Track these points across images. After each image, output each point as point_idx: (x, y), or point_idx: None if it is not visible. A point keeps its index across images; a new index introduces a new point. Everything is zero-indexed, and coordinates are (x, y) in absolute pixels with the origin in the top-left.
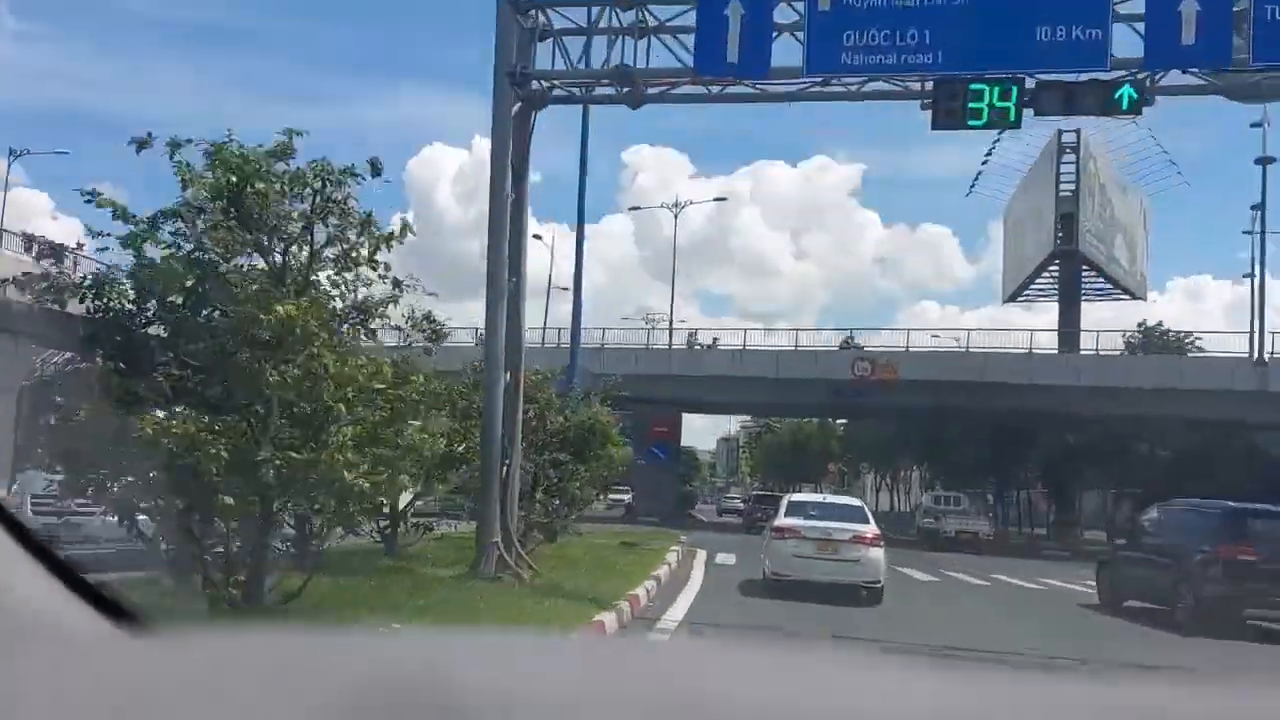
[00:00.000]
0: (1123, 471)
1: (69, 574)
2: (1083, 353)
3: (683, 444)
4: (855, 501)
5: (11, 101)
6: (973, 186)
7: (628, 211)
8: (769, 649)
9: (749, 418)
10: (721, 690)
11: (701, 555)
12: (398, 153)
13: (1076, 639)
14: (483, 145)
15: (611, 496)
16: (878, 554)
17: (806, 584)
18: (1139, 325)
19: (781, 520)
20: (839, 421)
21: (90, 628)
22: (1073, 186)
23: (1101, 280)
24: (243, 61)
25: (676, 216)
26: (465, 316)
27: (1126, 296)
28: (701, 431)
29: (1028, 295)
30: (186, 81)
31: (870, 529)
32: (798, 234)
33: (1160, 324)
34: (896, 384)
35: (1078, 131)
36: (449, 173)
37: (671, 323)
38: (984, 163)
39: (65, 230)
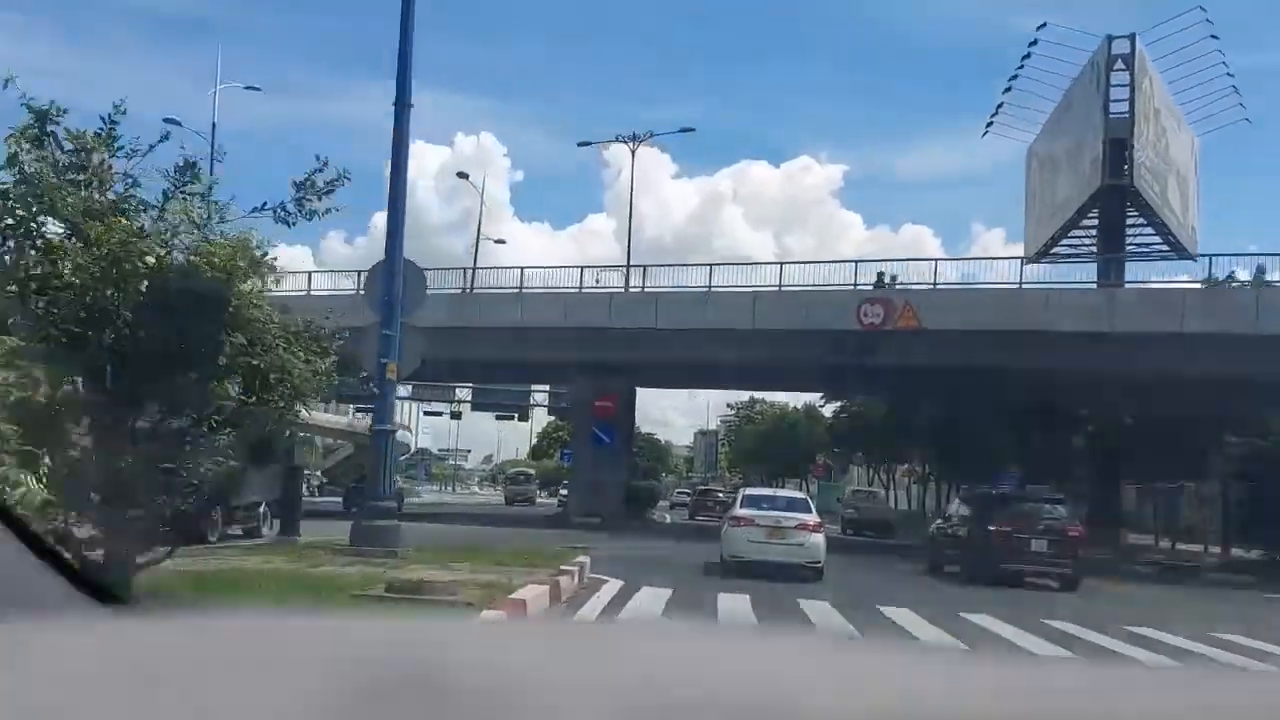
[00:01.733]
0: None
1: (47, 550)
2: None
3: (656, 437)
4: (800, 495)
5: None
6: (990, 125)
7: (578, 146)
8: (755, 633)
9: (730, 409)
10: (714, 673)
11: (605, 593)
12: (377, 150)
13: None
14: (465, 142)
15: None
16: (819, 539)
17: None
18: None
19: (737, 511)
20: (826, 406)
21: (69, 604)
22: (1126, 108)
23: (1148, 230)
24: (221, 55)
25: (634, 153)
26: None
27: (1173, 255)
28: (683, 430)
29: (1061, 251)
30: (163, 75)
31: (812, 518)
32: (780, 234)
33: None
34: (918, 331)
35: (1131, 37)
36: (430, 170)
37: (629, 271)
38: (1007, 89)
39: None
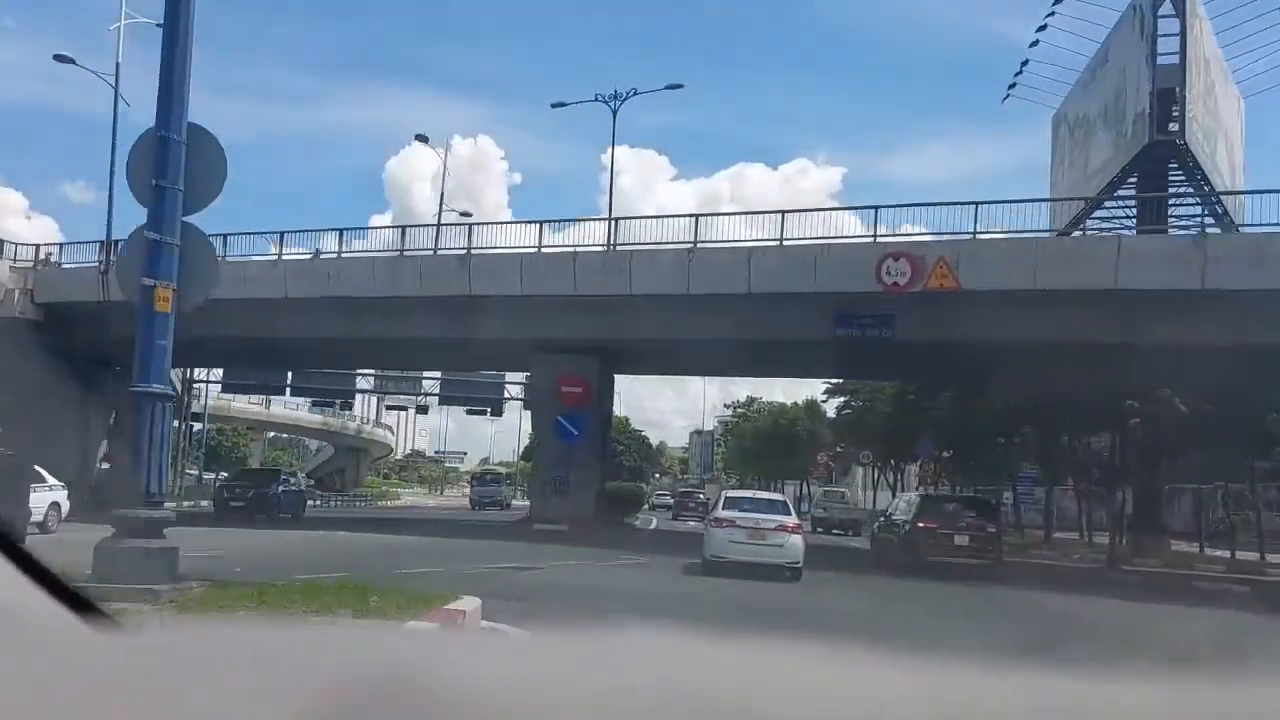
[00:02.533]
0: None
1: (34, 567)
2: None
3: (644, 434)
4: (780, 497)
5: None
6: (1013, 86)
7: (552, 107)
8: (749, 644)
9: (727, 408)
10: (715, 686)
11: None
12: (377, 153)
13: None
14: (463, 145)
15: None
16: (798, 540)
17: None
18: None
19: (719, 513)
20: (830, 401)
21: (55, 622)
22: (1175, 58)
23: (1191, 200)
24: (223, 62)
25: (615, 113)
26: None
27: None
28: (681, 431)
29: (1099, 219)
30: (151, 76)
31: (791, 520)
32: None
33: None
34: (954, 292)
35: None
36: (427, 173)
37: (613, 226)
38: (1033, 44)
39: (39, 230)
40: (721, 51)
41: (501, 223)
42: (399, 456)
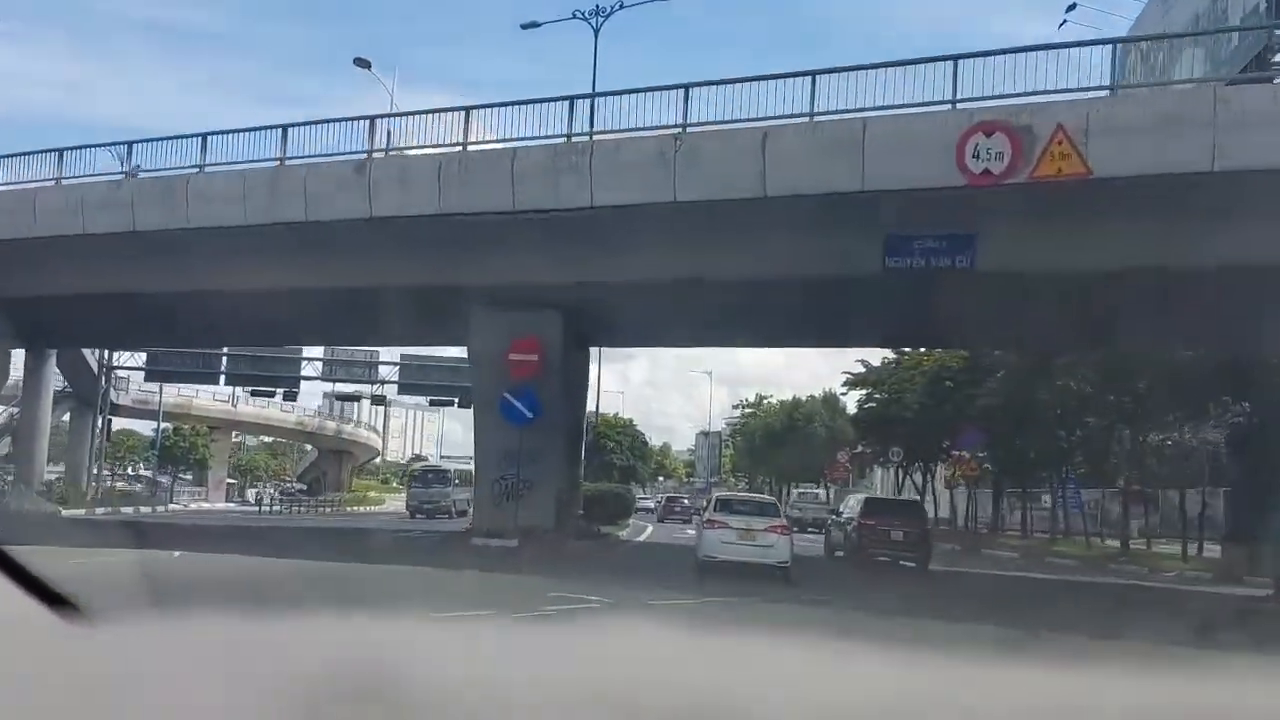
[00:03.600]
0: None
1: (7, 562)
2: None
3: (634, 424)
4: (770, 499)
5: None
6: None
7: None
8: (724, 633)
9: (735, 409)
10: (683, 675)
11: None
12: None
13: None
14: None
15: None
16: (786, 540)
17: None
18: None
19: (711, 515)
20: (849, 392)
21: (26, 614)
22: None
23: None
24: (222, 63)
25: (597, 31)
26: None
27: None
28: (687, 435)
29: None
30: (168, 83)
31: (780, 521)
32: None
33: None
34: (1084, 180)
35: None
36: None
37: (570, 110)
38: None
39: None
40: (740, 51)
41: (416, 113)
42: (403, 460)
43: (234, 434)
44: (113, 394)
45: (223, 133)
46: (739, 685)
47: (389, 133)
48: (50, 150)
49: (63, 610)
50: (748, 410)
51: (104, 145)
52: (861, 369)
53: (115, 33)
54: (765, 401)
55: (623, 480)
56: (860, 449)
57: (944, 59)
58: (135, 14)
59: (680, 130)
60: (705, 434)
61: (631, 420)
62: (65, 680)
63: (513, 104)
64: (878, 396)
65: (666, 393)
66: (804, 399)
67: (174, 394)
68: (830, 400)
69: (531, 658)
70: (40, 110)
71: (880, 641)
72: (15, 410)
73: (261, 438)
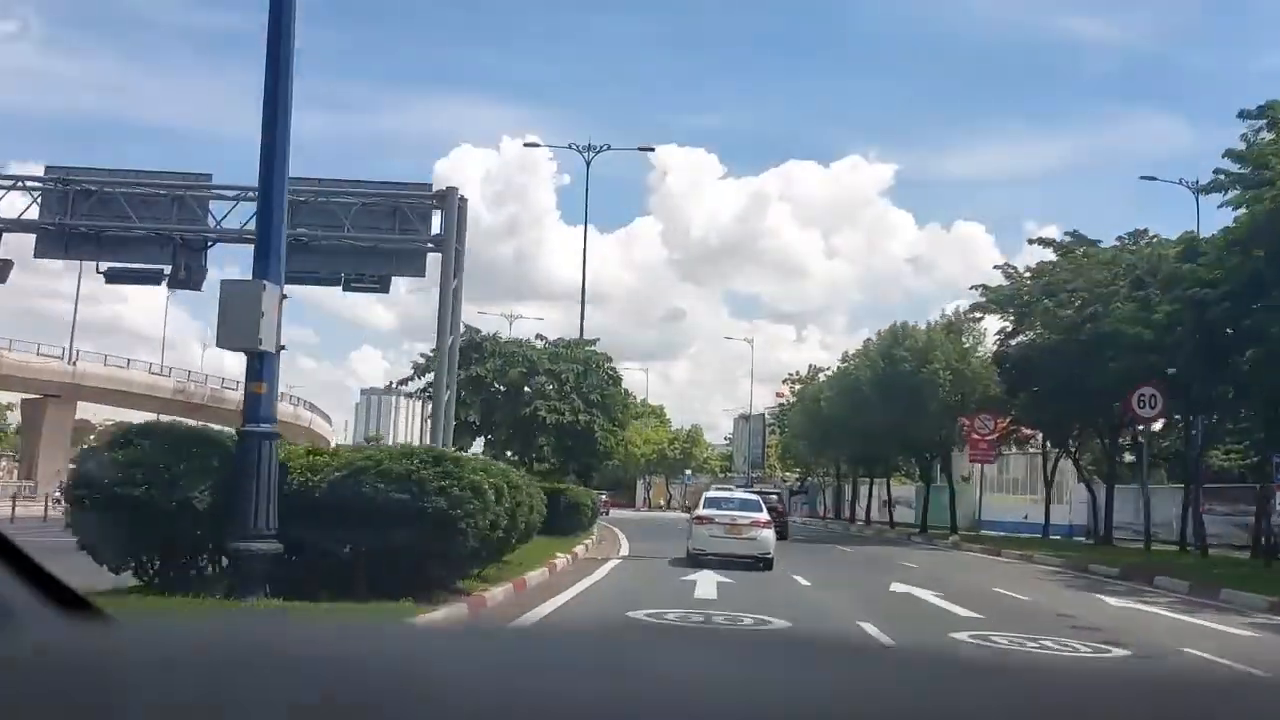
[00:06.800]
0: None
1: (15, 556)
2: None
3: (609, 360)
4: (754, 496)
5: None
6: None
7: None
8: (704, 635)
9: (783, 386)
10: (662, 678)
11: None
12: (424, 155)
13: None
14: (512, 145)
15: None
16: (769, 534)
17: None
18: None
19: (700, 512)
20: (985, 319)
21: (36, 612)
22: None
23: None
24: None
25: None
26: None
27: None
28: (716, 413)
29: None
30: (216, 89)
31: (763, 516)
32: (828, 233)
33: None
34: None
35: None
36: (477, 175)
37: None
38: None
39: None
40: (771, 47)
41: None
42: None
43: (77, 407)
44: None
45: None
46: (753, 691)
47: None
48: None
49: (70, 608)
50: (800, 383)
51: None
52: (1002, 280)
53: (164, 39)
54: (820, 376)
55: (580, 481)
56: (1009, 417)
57: None
58: (182, 21)
59: None
60: (746, 418)
61: (623, 384)
62: (75, 680)
63: None
64: (1025, 333)
65: (709, 391)
66: (912, 327)
67: None
68: (955, 326)
69: (548, 662)
70: (97, 116)
71: None
72: None
73: (131, 412)
